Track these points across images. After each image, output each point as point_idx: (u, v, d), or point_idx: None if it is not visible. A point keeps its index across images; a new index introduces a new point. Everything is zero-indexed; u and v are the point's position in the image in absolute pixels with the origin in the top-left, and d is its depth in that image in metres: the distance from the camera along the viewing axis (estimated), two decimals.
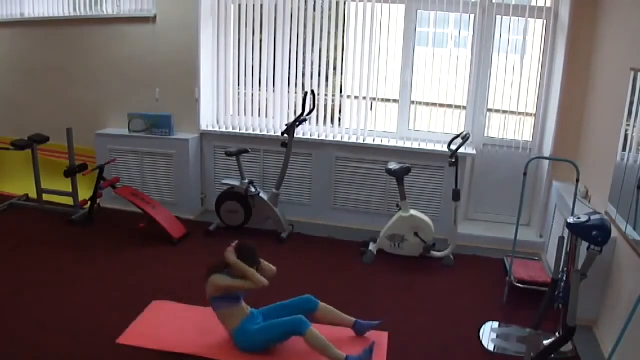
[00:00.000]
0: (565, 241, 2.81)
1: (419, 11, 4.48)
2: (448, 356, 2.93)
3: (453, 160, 3.97)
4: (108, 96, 5.07)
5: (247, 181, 4.43)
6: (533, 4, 4.26)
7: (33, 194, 4.96)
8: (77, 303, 3.30)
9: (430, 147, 4.53)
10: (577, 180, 3.34)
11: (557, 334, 2.96)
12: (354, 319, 3.05)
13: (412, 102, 4.68)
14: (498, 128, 4.58)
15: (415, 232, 4.09)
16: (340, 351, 2.72)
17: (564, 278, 2.82)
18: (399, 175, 4.05)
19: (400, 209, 4.13)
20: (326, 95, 4.77)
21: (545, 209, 4.34)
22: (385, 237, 4.16)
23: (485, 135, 4.63)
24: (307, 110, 4.38)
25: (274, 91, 4.81)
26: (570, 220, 2.61)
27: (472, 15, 4.40)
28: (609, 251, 3.01)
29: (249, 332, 2.83)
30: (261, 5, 4.65)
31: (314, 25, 4.60)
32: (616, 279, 3.02)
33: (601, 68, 3.81)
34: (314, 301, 3.01)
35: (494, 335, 3.14)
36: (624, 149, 3.02)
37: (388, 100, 4.75)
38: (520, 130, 4.50)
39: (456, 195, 4.03)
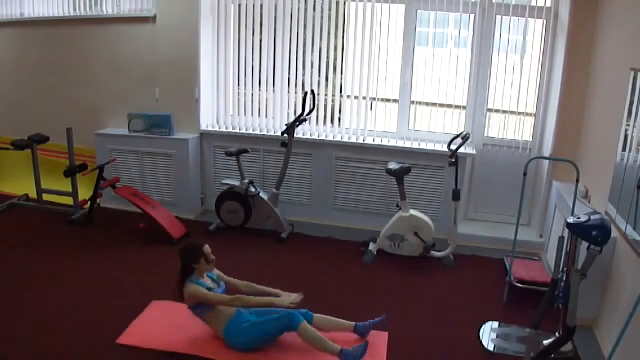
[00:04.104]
0: (565, 241, 2.81)
1: (419, 11, 4.48)
2: (448, 356, 2.93)
3: (453, 160, 3.97)
4: (108, 96, 5.07)
5: (247, 181, 4.43)
6: (533, 4, 4.26)
7: (33, 194, 4.96)
8: (77, 303, 3.30)
9: (430, 147, 4.53)
10: (577, 180, 3.34)
11: (557, 334, 2.96)
12: (353, 323, 3.01)
13: (412, 102, 4.68)
14: (498, 128, 4.58)
15: (415, 232, 4.09)
16: (336, 344, 2.71)
17: (564, 278, 2.82)
18: (399, 175, 4.05)
19: (400, 209, 4.13)
20: (326, 95, 4.77)
21: (545, 209, 4.34)
22: (385, 237, 4.16)
23: (485, 135, 4.63)
24: (307, 110, 4.38)
25: (274, 91, 4.81)
26: (570, 220, 2.61)
27: (472, 15, 4.41)
28: (609, 251, 3.01)
29: (238, 330, 2.82)
30: (261, 5, 4.65)
31: (314, 25, 4.60)
32: (616, 279, 3.02)
33: (601, 68, 3.81)
34: (308, 314, 2.93)
35: (494, 335, 3.14)
36: (624, 149, 3.02)
37: (388, 100, 4.75)
38: (520, 130, 4.50)
39: (456, 195, 4.03)
